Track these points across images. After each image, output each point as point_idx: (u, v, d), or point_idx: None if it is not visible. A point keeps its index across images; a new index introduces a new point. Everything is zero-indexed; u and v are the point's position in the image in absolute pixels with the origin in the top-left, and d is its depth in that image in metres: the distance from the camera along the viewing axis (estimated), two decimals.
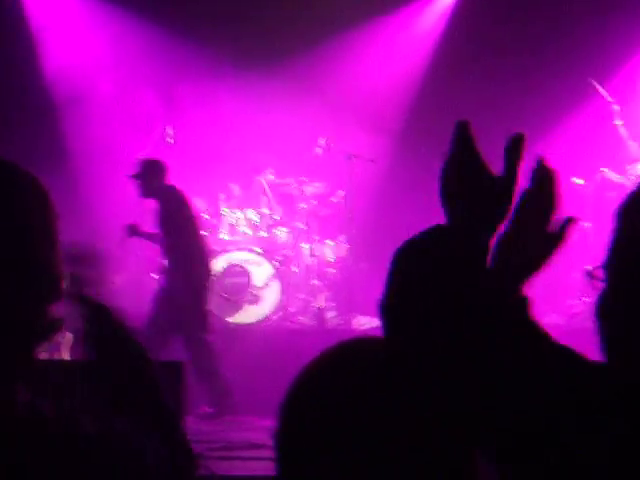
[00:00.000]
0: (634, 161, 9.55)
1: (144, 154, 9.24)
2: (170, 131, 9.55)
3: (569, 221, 1.42)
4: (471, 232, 1.30)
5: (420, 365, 1.22)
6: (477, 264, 1.28)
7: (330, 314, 9.26)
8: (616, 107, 9.87)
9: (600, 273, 1.39)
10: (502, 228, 1.37)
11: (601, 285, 1.37)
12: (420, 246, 1.30)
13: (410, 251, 1.31)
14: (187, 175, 9.75)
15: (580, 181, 9.58)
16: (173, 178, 9.54)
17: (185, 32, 10.38)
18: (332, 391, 1.37)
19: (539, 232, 1.39)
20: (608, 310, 1.37)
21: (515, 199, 1.36)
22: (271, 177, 10.09)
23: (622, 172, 9.58)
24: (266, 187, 9.94)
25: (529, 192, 1.37)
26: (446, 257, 1.27)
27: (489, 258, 1.31)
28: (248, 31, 10.41)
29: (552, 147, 10.40)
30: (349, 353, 1.42)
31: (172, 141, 9.52)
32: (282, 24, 10.37)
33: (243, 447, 6.18)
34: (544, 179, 1.39)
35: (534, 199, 1.38)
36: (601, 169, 9.57)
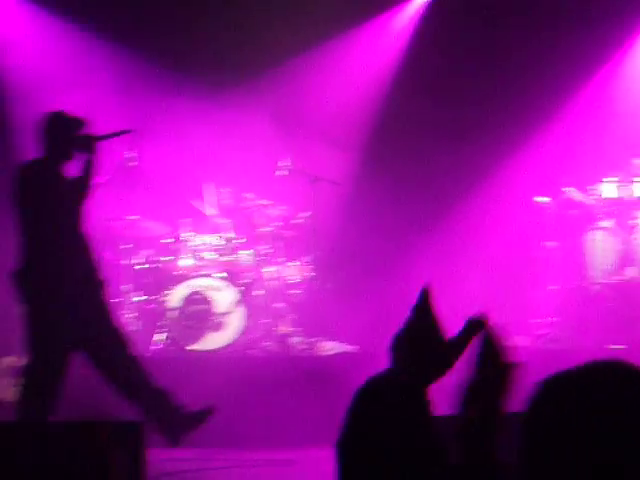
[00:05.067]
0: (596, 181, 9.55)
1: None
2: (131, 154, 9.27)
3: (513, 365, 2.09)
4: (409, 384, 1.92)
5: None
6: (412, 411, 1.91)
7: (295, 340, 9.12)
8: None
9: None
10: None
11: None
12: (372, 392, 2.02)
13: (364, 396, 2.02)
14: (149, 199, 9.59)
15: (544, 199, 9.56)
16: (135, 202, 9.38)
17: (149, 55, 10.22)
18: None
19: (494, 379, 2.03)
20: None
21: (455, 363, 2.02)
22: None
23: (584, 191, 9.57)
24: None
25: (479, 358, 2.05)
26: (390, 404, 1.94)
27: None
28: (215, 55, 10.28)
29: (519, 166, 10.37)
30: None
31: (136, 164, 9.27)
32: (239, 45, 10.26)
33: None
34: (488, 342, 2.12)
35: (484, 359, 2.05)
36: (564, 188, 9.55)
